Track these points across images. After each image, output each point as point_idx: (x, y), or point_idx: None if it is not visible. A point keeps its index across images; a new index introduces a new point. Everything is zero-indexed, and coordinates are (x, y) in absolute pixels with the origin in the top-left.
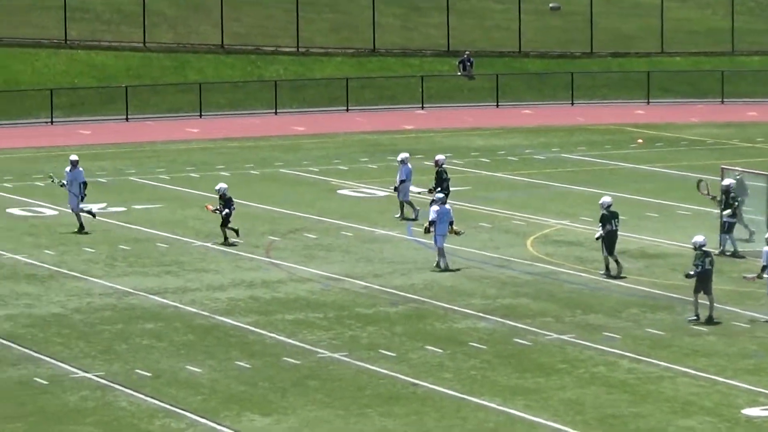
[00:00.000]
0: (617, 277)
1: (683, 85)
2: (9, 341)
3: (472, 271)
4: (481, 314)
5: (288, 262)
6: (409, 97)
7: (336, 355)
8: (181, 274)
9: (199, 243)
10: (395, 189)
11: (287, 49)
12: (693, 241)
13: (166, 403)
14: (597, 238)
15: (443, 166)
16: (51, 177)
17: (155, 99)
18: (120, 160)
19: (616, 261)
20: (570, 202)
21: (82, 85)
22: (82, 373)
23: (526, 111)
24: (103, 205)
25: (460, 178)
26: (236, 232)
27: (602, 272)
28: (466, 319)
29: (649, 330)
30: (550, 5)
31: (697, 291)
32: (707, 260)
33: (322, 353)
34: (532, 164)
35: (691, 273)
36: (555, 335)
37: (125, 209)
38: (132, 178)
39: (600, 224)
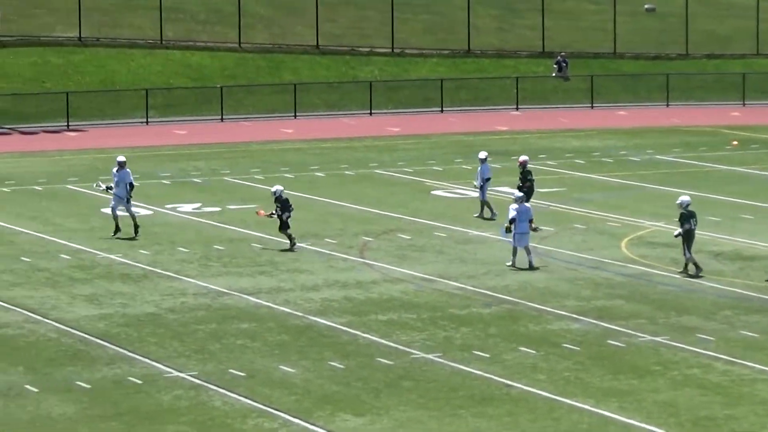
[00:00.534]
0: (696, 276)
1: None
2: (103, 341)
3: (566, 273)
4: (574, 315)
5: (381, 263)
6: (504, 98)
7: (429, 356)
8: (275, 274)
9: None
10: (479, 188)
11: (382, 50)
12: None
13: (260, 403)
14: (676, 236)
15: (528, 166)
16: (100, 185)
17: (250, 99)
18: (215, 161)
19: (694, 262)
20: (664, 204)
21: (177, 86)
22: (176, 373)
23: (621, 112)
24: (198, 205)
25: (555, 180)
26: (291, 240)
27: (680, 271)
28: (559, 321)
29: (743, 332)
30: (645, 6)
31: None
32: None
33: (416, 354)
34: (627, 166)
35: None
36: (649, 337)
37: (219, 209)
38: (226, 179)
39: (679, 223)
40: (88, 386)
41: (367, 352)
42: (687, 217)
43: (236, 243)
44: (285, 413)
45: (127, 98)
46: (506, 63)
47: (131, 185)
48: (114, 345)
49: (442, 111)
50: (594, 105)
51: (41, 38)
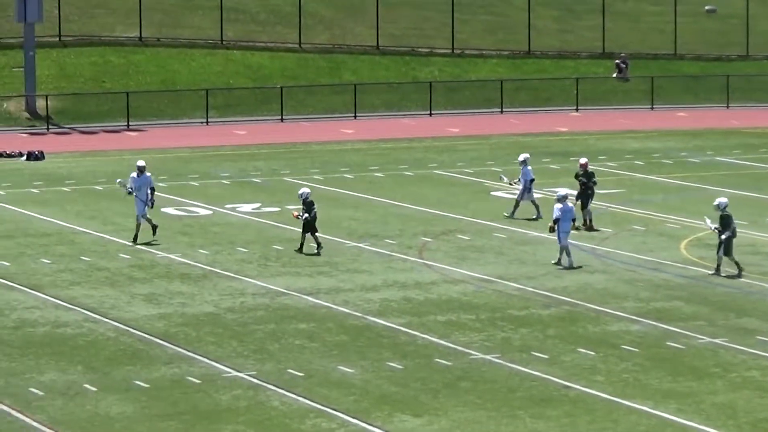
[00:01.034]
0: (738, 276)
1: None
2: (163, 340)
3: (625, 274)
4: (633, 317)
5: (441, 264)
6: (564, 99)
7: (488, 357)
8: (334, 274)
9: (353, 244)
10: (511, 183)
11: (442, 51)
12: None
13: (318, 403)
14: (723, 239)
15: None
16: (121, 183)
17: (310, 100)
18: (274, 161)
19: (736, 262)
20: None
21: (237, 86)
22: (234, 373)
23: (681, 114)
24: (257, 205)
25: (615, 181)
26: (318, 244)
27: (711, 272)
28: (618, 322)
29: None
30: (706, 8)
31: None
32: None
33: (475, 355)
34: (687, 167)
35: None
36: (708, 339)
37: (279, 209)
38: (286, 179)
39: (721, 226)
40: (147, 385)
41: (425, 353)
42: (730, 219)
43: (295, 243)
44: (343, 413)
45: (188, 98)
46: (566, 64)
47: (152, 189)
48: (173, 344)
49: (502, 112)
50: (654, 106)
51: (102, 38)
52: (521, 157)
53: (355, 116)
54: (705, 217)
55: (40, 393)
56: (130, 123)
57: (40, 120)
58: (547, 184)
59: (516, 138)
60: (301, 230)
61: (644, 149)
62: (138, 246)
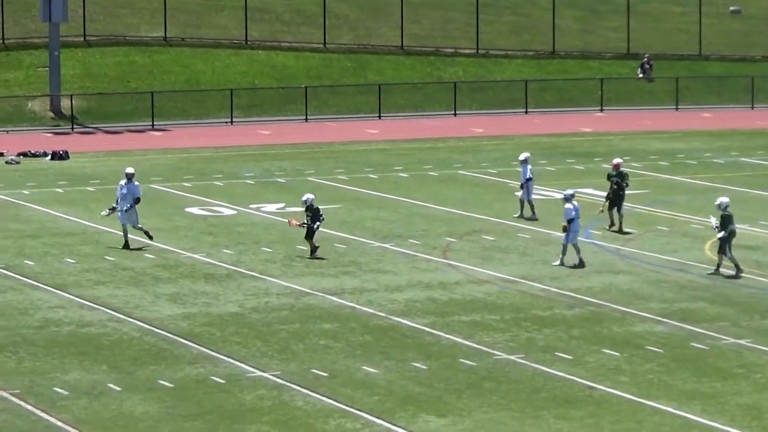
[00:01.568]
0: (736, 276)
1: None
2: (187, 340)
3: (649, 275)
4: (658, 318)
5: (465, 264)
6: (588, 100)
7: (512, 358)
8: (359, 274)
9: (377, 244)
10: (521, 186)
11: (467, 51)
12: None
13: (342, 404)
14: (719, 238)
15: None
16: (108, 213)
17: (335, 100)
18: (299, 161)
19: (736, 263)
20: (748, 207)
21: (262, 86)
22: (258, 373)
23: (706, 114)
24: (281, 205)
25: (639, 182)
26: (313, 248)
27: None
28: (643, 323)
29: None
30: (731, 8)
31: None
32: None
33: (499, 355)
34: (711, 168)
35: None
36: (732, 340)
37: (303, 209)
38: (310, 179)
39: (720, 224)
40: (171, 385)
41: (449, 353)
42: (730, 219)
43: (321, 243)
44: (367, 413)
45: (212, 98)
46: (590, 64)
47: (137, 200)
48: (197, 344)
49: (526, 112)
50: (678, 107)
51: (126, 38)
52: (522, 156)
53: (379, 116)
54: (710, 216)
55: (65, 392)
56: (155, 123)
57: (64, 120)
58: (572, 185)
59: (540, 138)
60: (304, 237)
61: (669, 150)
62: (161, 246)
